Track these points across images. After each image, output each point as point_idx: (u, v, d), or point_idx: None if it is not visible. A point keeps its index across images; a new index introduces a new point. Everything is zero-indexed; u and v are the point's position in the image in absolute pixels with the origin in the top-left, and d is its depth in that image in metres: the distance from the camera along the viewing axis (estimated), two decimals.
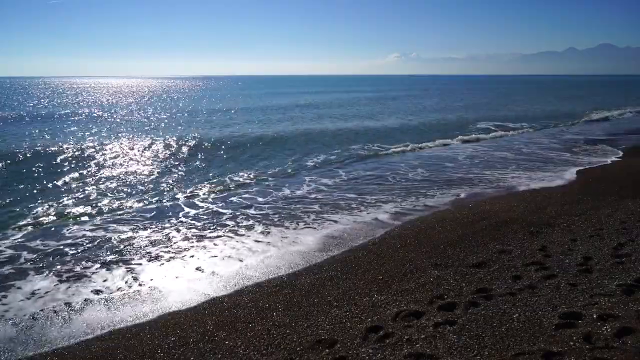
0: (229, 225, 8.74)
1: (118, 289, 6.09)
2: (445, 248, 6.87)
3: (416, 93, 70.63)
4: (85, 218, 9.33)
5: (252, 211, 9.69)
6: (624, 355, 3.50)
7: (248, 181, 12.78)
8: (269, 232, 8.25)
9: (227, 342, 4.61)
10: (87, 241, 7.94)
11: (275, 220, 9.01)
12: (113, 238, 8.08)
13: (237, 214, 9.49)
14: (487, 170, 13.69)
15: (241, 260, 6.97)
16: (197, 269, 6.71)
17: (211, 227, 8.62)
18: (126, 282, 6.31)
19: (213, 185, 12.24)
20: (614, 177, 11.71)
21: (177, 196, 11.11)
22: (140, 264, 6.92)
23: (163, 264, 6.93)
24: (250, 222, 8.90)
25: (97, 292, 6.03)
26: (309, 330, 4.65)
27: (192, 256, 7.20)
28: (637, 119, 30.47)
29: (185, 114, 34.89)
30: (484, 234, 7.41)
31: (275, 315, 5.13)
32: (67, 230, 8.57)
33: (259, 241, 7.80)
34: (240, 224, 8.76)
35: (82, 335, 5.00)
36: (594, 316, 4.17)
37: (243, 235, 8.15)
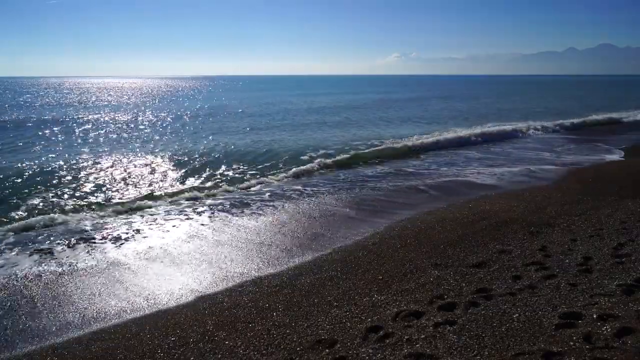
0: (186, 211, 9.78)
1: (80, 261, 7.05)
2: (445, 248, 6.87)
3: (424, 94, 68.67)
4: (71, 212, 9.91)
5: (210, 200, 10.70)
6: (624, 355, 3.50)
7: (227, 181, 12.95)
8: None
9: (227, 342, 4.61)
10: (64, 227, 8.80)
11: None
12: (84, 224, 8.96)
13: (196, 203, 10.53)
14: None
15: (189, 241, 7.93)
16: (149, 247, 7.65)
17: (171, 214, 9.59)
18: (87, 255, 7.31)
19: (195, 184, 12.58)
20: (613, 177, 11.72)
21: (155, 193, 11.57)
22: (103, 243, 7.89)
23: (122, 242, 7.89)
24: (204, 208, 9.96)
25: (61, 265, 6.92)
26: (309, 330, 4.66)
27: (145, 237, 8.19)
28: None
29: (205, 116, 34.68)
30: (484, 234, 7.41)
31: (275, 315, 5.13)
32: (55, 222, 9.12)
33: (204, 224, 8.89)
34: (196, 210, 9.85)
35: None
36: (594, 316, 4.17)
37: (192, 218, 9.28)
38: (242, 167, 14.97)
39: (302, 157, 16.31)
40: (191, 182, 12.93)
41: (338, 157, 15.89)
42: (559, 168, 13.56)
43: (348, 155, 16.24)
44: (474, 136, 20.64)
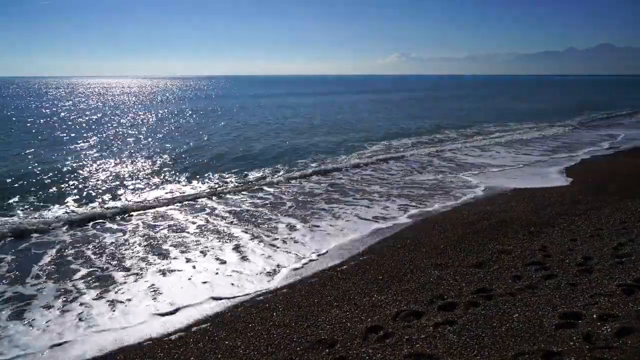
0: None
1: None
2: (445, 248, 6.86)
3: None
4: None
5: None
6: (624, 355, 3.50)
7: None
8: None
9: (227, 342, 4.61)
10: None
11: None
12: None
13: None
14: None
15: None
16: None
17: None
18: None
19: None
20: (614, 177, 11.72)
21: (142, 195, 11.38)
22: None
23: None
24: None
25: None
26: (309, 330, 4.65)
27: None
28: None
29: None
30: (484, 234, 7.41)
31: (275, 315, 5.13)
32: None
33: None
34: None
35: None
36: (594, 316, 4.17)
37: None
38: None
39: None
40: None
41: None
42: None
43: None
44: None
